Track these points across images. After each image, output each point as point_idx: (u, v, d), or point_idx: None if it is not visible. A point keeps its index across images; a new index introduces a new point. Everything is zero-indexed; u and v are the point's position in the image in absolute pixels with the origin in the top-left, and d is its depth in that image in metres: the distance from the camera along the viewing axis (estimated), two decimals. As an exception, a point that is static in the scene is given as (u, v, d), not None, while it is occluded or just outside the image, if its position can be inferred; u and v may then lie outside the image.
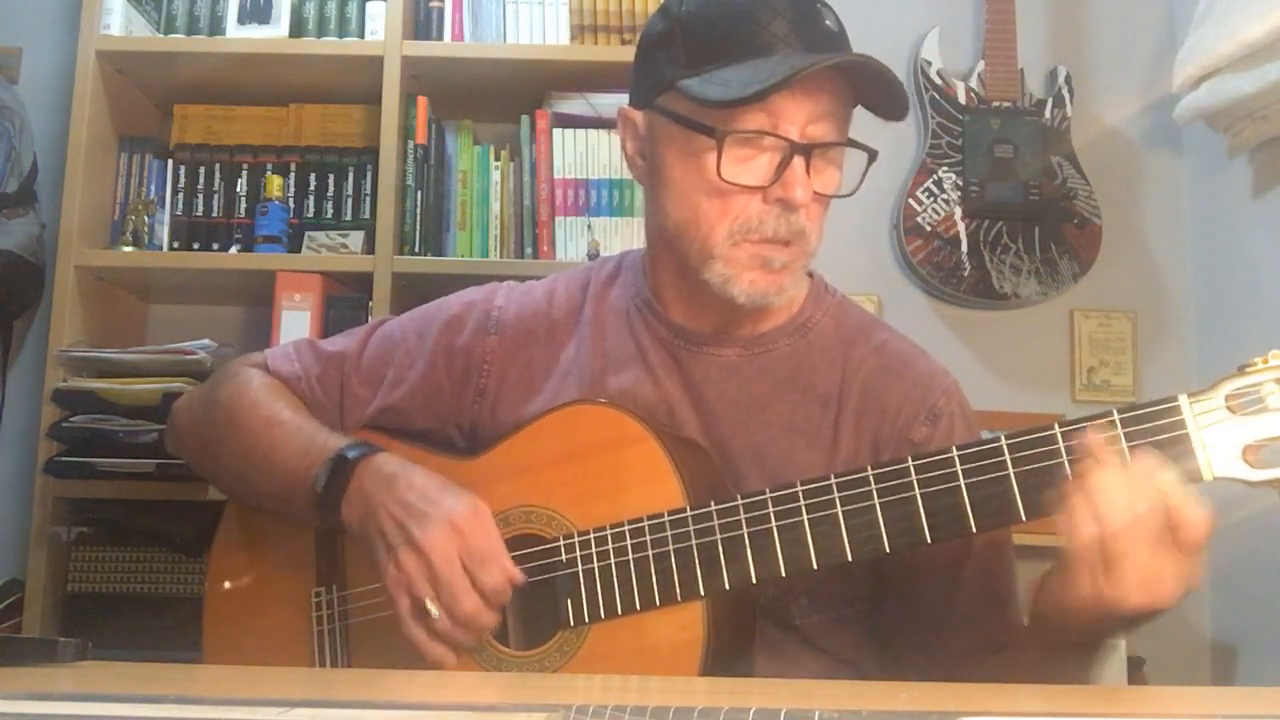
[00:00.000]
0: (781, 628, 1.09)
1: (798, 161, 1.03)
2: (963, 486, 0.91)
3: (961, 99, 2.34)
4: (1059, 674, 0.97)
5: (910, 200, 2.31)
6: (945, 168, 2.32)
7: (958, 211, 2.30)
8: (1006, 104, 2.32)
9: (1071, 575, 0.87)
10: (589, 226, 2.11)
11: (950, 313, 2.38)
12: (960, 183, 2.30)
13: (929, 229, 2.29)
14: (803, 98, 1.02)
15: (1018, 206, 2.29)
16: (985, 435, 0.95)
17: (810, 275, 1.20)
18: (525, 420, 1.11)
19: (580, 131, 2.13)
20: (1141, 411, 0.86)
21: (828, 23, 1.06)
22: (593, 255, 2.07)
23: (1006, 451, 0.90)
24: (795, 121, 1.03)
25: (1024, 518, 0.90)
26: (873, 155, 1.09)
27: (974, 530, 0.92)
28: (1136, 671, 2.04)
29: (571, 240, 2.11)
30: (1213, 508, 0.83)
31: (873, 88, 1.05)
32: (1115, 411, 0.87)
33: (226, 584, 1.24)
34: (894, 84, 1.04)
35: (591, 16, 2.15)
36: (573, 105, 2.15)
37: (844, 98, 1.06)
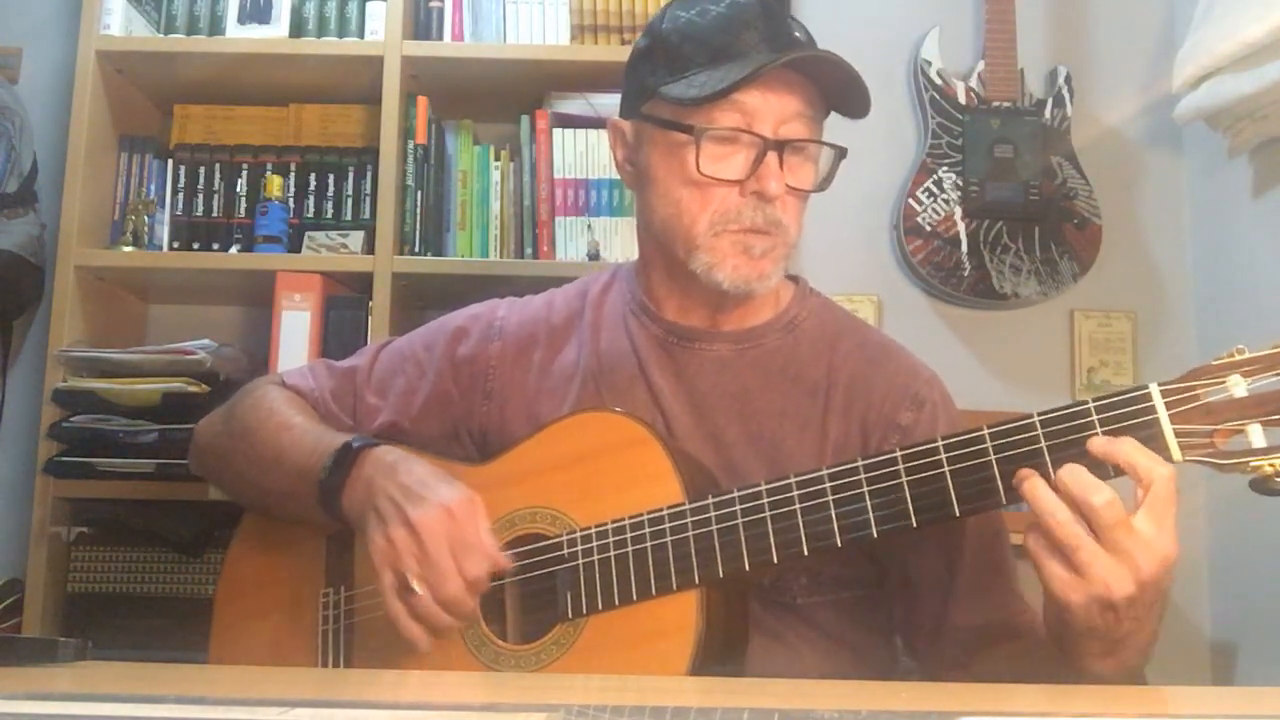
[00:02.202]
0: (784, 611, 1.13)
1: (771, 157, 1.11)
2: (947, 473, 0.95)
3: (961, 99, 2.34)
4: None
5: (910, 200, 2.31)
6: (945, 168, 2.32)
7: (958, 211, 2.29)
8: (1006, 104, 2.32)
9: (1056, 607, 0.91)
10: (589, 226, 2.11)
11: (950, 313, 2.38)
12: (960, 183, 2.30)
13: (929, 229, 2.29)
14: (774, 98, 1.11)
15: (1018, 206, 2.28)
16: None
17: (795, 279, 1.28)
18: (533, 427, 1.15)
19: (580, 131, 2.13)
20: (1115, 399, 0.91)
21: (796, 34, 1.15)
22: (593, 255, 2.07)
23: (988, 439, 0.94)
24: (768, 120, 1.11)
25: (1004, 501, 0.95)
26: (841, 153, 1.18)
27: (957, 515, 0.96)
28: (1136, 671, 2.04)
29: (571, 240, 2.11)
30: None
31: (835, 86, 1.13)
32: (1091, 401, 0.92)
33: (238, 591, 1.26)
34: (853, 79, 1.12)
35: (591, 16, 2.15)
36: (573, 105, 2.15)
37: (813, 101, 1.14)
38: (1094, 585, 0.88)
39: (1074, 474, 0.89)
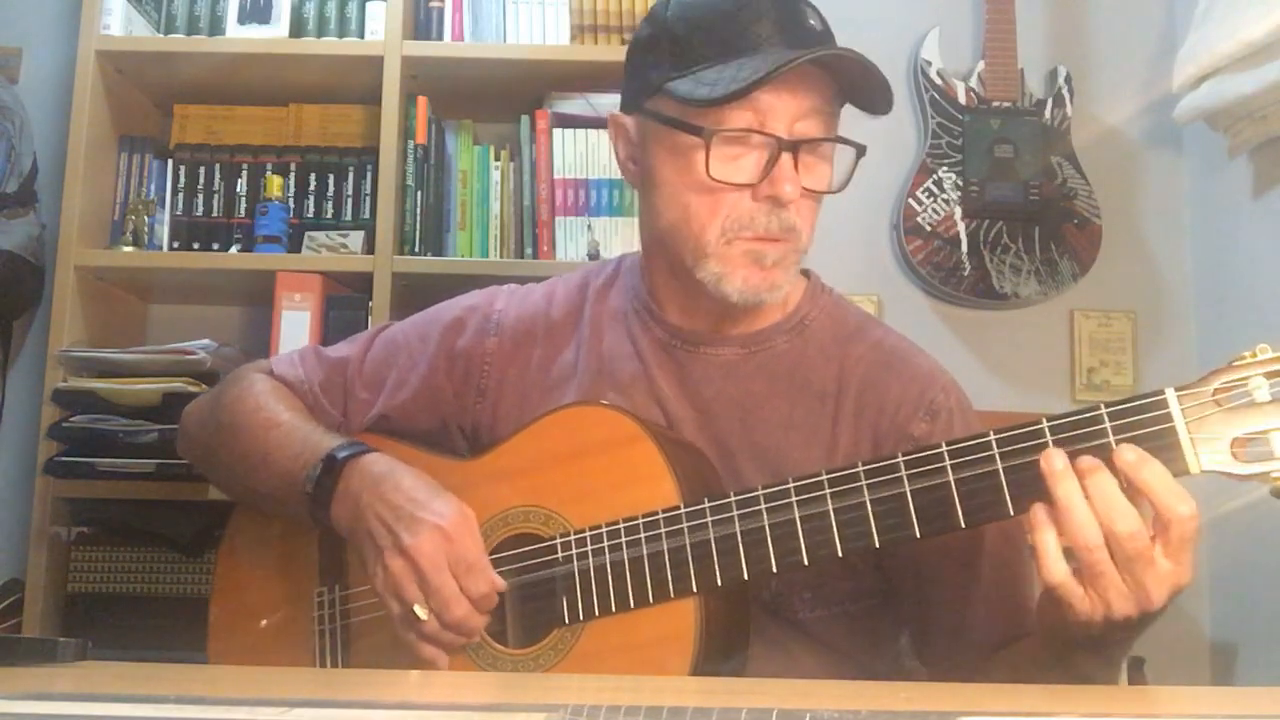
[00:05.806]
0: (785, 623, 1.10)
1: (785, 158, 1.04)
2: (951, 482, 0.91)
3: (961, 99, 2.34)
4: (1075, 676, 0.97)
5: (910, 200, 2.31)
6: (945, 168, 2.32)
7: (958, 211, 2.30)
8: (1006, 104, 2.32)
9: (1056, 604, 0.88)
10: (589, 226, 2.11)
11: (950, 313, 2.38)
12: (960, 183, 2.30)
13: (929, 229, 2.29)
14: (788, 95, 1.04)
15: (1018, 206, 2.29)
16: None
17: (806, 275, 1.21)
18: (525, 422, 1.11)
19: (580, 131, 2.13)
20: (1129, 405, 0.86)
21: (811, 22, 1.07)
22: (593, 255, 2.07)
23: (995, 446, 0.90)
24: (782, 119, 1.04)
25: (1011, 513, 0.90)
26: (861, 150, 1.09)
27: (962, 525, 0.91)
28: (1136, 671, 2.03)
29: (571, 240, 2.11)
30: (1202, 502, 0.84)
31: (856, 82, 1.06)
32: (1103, 406, 0.87)
33: (233, 585, 1.25)
34: (876, 77, 1.04)
35: (591, 16, 2.15)
36: (573, 105, 2.15)
37: (830, 95, 1.07)
38: (1099, 605, 0.86)
39: (1103, 492, 0.84)
